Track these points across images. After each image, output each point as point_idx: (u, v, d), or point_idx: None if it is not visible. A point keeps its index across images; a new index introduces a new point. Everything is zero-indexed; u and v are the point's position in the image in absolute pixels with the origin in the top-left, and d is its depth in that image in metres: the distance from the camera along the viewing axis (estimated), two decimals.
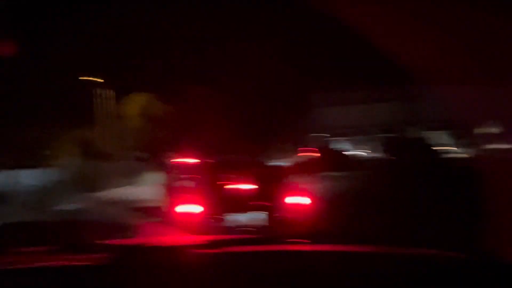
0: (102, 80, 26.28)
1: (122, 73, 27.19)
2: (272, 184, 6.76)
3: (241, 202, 6.27)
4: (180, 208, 6.43)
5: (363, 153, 31.12)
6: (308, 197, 6.42)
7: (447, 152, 22.91)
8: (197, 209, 6.27)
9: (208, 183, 7.07)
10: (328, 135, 38.48)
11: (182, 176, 10.19)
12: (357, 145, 38.74)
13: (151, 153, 24.50)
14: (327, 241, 1.86)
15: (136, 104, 28.35)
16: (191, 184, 7.74)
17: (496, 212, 2.26)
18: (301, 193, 6.45)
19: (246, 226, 6.04)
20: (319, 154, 26.25)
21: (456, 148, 24.33)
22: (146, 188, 18.44)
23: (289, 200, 6.29)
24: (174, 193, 9.76)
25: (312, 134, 38.14)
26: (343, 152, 30.41)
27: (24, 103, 23.46)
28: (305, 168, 21.22)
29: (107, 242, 1.90)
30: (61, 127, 25.02)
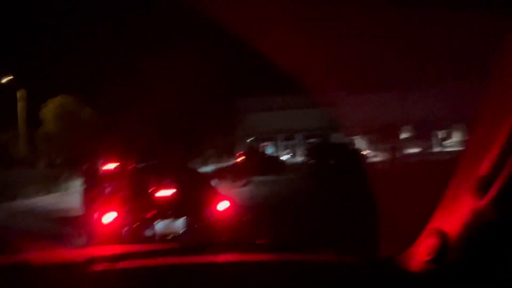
0: (11, 77, 24.38)
1: (41, 73, 25.67)
2: (196, 190, 6.62)
3: (163, 209, 6.06)
4: (100, 217, 6.09)
5: (287, 157, 31.82)
6: (232, 202, 6.36)
7: (367, 156, 24.07)
8: (116, 217, 5.97)
9: (130, 190, 6.78)
10: (253, 139, 38.96)
11: (103, 182, 9.75)
12: (283, 149, 39.61)
13: (72, 159, 23.24)
14: (234, 251, 1.82)
15: (56, 106, 26.76)
16: (112, 191, 7.39)
17: (401, 213, 2.35)
18: (225, 199, 6.37)
19: (166, 234, 5.84)
20: (247, 159, 26.47)
21: (375, 152, 25.62)
22: (67, 196, 17.49)
23: (212, 206, 6.19)
24: (94, 201, 9.30)
25: (244, 139, 38.47)
26: (272, 156, 30.88)
27: None
28: (232, 172, 21.27)
29: None
30: None
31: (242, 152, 30.15)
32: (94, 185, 9.49)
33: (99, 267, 1.52)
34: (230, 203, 6.21)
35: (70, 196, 15.81)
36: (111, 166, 11.38)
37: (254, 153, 29.55)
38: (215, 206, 6.12)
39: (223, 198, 6.34)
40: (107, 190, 7.43)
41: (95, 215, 6.25)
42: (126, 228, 5.79)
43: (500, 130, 0.94)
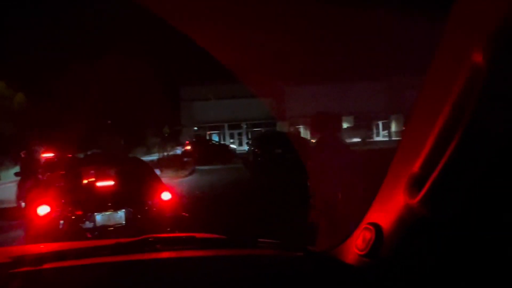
0: None
1: None
2: (139, 180, 6.46)
3: (103, 200, 5.86)
4: (35, 209, 5.80)
5: (233, 146, 31.87)
6: (173, 193, 6.26)
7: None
8: (53, 209, 5.71)
9: (68, 180, 6.50)
10: (197, 128, 38.64)
11: (40, 173, 9.32)
12: (229, 138, 39.64)
13: (5, 147, 21.95)
14: (172, 247, 1.77)
15: None
16: (50, 181, 7.07)
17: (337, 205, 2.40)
18: (166, 189, 6.26)
19: (106, 226, 5.66)
20: (195, 147, 26.27)
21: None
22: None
23: (154, 197, 6.07)
24: (30, 192, 8.86)
25: (190, 128, 38.03)
26: (221, 144, 30.78)
27: None
28: (177, 161, 21.04)
29: None
30: None
31: (189, 140, 29.91)
32: (30, 176, 9.04)
33: (24, 268, 1.43)
34: (172, 194, 6.11)
35: (3, 187, 15.04)
36: (48, 155, 10.90)
37: (202, 142, 29.40)
38: (158, 197, 6.00)
39: (165, 188, 6.22)
40: (44, 180, 7.10)
41: (31, 207, 5.96)
42: (63, 221, 5.55)
43: (432, 128, 0.96)
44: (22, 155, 11.00)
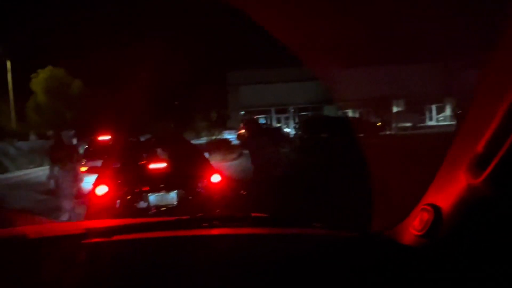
0: None
1: (29, 44, 25.16)
2: (189, 162, 6.64)
3: (156, 182, 6.07)
4: (94, 189, 6.09)
5: (287, 130, 31.65)
6: (223, 176, 6.38)
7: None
8: (110, 189, 5.98)
9: (123, 163, 6.78)
10: (243, 112, 38.75)
11: (94, 155, 9.71)
12: (276, 122, 39.56)
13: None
14: (228, 224, 1.83)
15: (46, 77, 26.34)
16: (103, 163, 7.36)
17: (389, 189, 2.38)
18: (216, 172, 6.39)
19: (159, 206, 5.87)
20: (244, 132, 26.39)
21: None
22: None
23: (205, 179, 6.21)
24: (85, 174, 9.26)
25: (237, 112, 38.30)
26: (275, 128, 30.81)
27: None
28: (222, 145, 21.31)
29: None
30: None
31: (243, 124, 30.08)
32: (90, 158, 9.34)
33: (95, 239, 1.53)
34: (221, 177, 6.23)
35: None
36: (105, 138, 11.34)
37: (254, 126, 29.38)
38: (208, 179, 6.14)
39: (215, 171, 6.35)
40: (102, 162, 7.38)
41: (90, 189, 6.25)
42: (119, 201, 5.80)
43: (498, 107, 0.94)
44: (80, 139, 11.50)
